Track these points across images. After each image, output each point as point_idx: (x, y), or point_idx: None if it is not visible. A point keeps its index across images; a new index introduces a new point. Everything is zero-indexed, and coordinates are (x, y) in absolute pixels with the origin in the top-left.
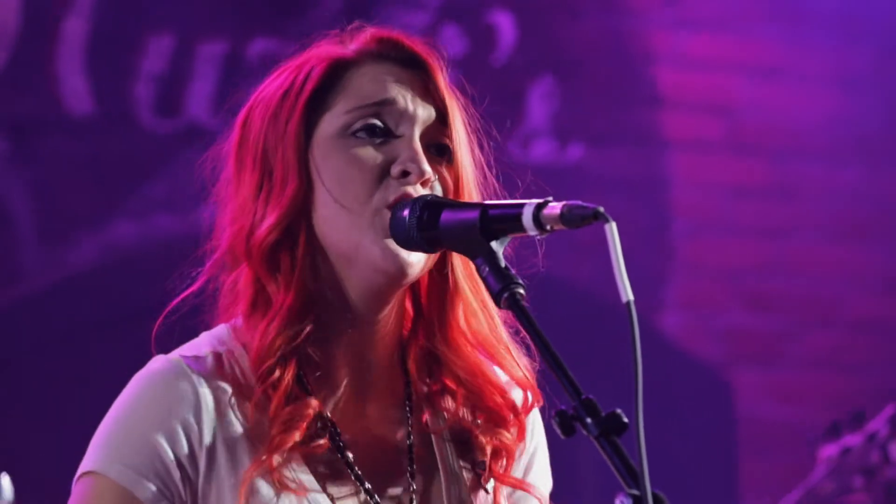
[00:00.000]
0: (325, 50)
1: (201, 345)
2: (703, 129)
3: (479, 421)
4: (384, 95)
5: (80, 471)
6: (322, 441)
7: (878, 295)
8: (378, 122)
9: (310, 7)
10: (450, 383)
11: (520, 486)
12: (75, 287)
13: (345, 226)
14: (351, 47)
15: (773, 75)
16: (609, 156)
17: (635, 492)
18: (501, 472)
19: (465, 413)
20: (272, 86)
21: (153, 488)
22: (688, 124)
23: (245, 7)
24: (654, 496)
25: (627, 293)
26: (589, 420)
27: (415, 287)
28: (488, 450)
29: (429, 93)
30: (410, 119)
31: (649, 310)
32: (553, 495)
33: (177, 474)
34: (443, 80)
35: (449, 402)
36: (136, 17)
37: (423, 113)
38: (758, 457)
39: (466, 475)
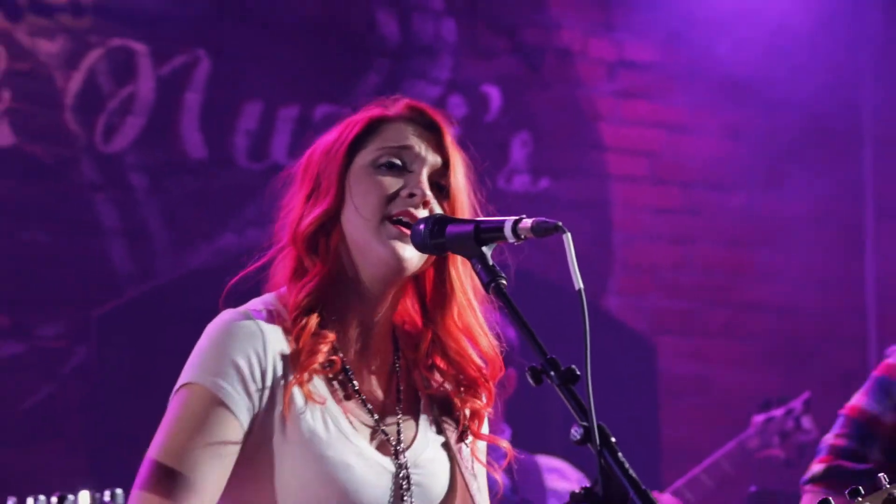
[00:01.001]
0: (371, 110)
1: (256, 304)
2: (633, 167)
3: (460, 390)
4: (405, 142)
5: (177, 385)
6: (336, 359)
7: (757, 284)
8: (397, 161)
9: (358, 83)
10: (439, 362)
11: (493, 440)
12: (194, 281)
13: (362, 229)
14: (391, 109)
15: (683, 129)
16: (567, 186)
17: (585, 423)
18: (476, 429)
19: (449, 386)
20: (331, 133)
21: (234, 395)
22: (622, 163)
23: (311, 82)
24: (598, 426)
25: (578, 283)
26: (552, 373)
27: (421, 291)
28: (467, 412)
29: (439, 147)
30: (421, 161)
31: (596, 295)
32: (533, 426)
33: (251, 386)
34: (449, 139)
35: (436, 375)
36: (235, 90)
37: (432, 159)
38: (673, 400)
39: (449, 431)
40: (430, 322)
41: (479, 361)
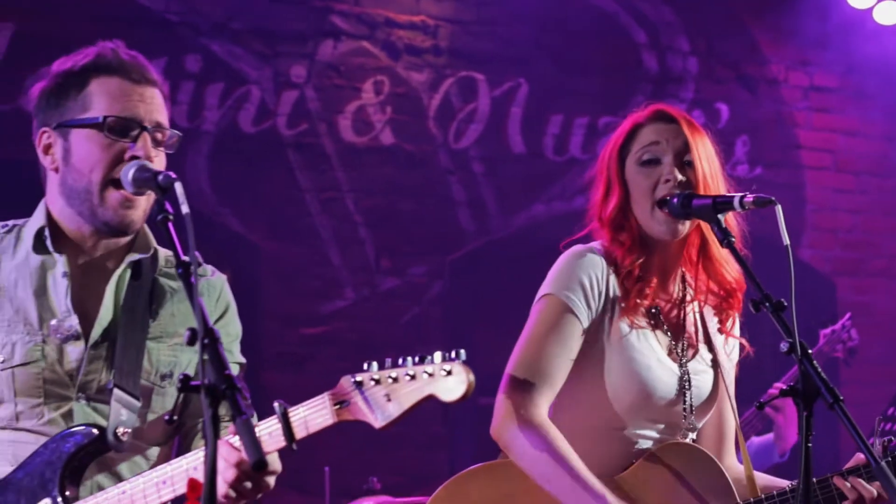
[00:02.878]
0: (633, 117)
1: (595, 244)
2: (820, 160)
3: (721, 303)
4: (654, 139)
5: (538, 296)
6: (650, 301)
7: None
8: (652, 157)
9: (628, 101)
10: (710, 284)
11: (740, 339)
12: (516, 237)
13: (642, 211)
14: (644, 114)
15: (855, 133)
16: (774, 173)
17: (790, 340)
18: (729, 329)
19: (713, 301)
20: (609, 142)
21: (579, 304)
22: (813, 158)
23: (597, 101)
24: (800, 342)
25: (786, 240)
26: (767, 304)
27: (703, 240)
28: (724, 316)
29: (679, 134)
30: (669, 150)
31: (792, 249)
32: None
33: (591, 301)
34: (686, 128)
35: (710, 298)
36: (544, 105)
37: (676, 145)
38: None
39: (712, 331)
40: (701, 258)
41: (731, 278)
